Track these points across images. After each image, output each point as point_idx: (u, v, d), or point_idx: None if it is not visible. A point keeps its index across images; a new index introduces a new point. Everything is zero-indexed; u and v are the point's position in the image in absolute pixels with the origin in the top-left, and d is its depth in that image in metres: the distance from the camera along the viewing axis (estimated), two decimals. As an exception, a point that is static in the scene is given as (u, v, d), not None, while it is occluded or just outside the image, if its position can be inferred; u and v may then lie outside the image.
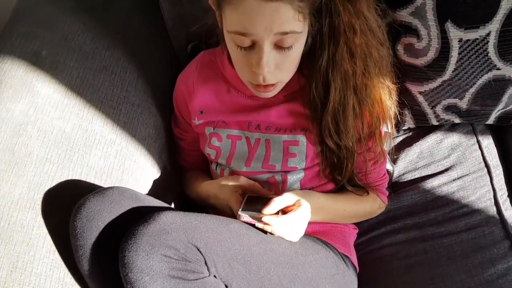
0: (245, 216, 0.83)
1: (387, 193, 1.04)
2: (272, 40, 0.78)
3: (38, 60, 0.92)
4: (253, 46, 0.80)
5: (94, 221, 0.74)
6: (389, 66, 0.92)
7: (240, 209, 0.84)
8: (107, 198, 0.75)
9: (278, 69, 0.82)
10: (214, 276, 0.75)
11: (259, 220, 0.82)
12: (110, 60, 1.01)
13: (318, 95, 0.87)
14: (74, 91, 0.92)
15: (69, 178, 0.83)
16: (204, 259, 0.73)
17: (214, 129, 0.97)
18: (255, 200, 0.87)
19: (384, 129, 0.93)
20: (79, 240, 0.74)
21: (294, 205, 0.86)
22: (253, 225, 0.83)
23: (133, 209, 0.77)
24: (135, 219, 0.73)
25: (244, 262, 0.77)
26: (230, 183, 0.93)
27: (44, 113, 0.87)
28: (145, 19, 1.16)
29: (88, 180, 0.85)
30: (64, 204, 0.80)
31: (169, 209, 0.82)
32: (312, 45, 0.85)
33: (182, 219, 0.73)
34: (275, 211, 0.83)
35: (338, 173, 0.94)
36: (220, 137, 0.96)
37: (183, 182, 1.08)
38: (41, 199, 0.79)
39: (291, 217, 0.84)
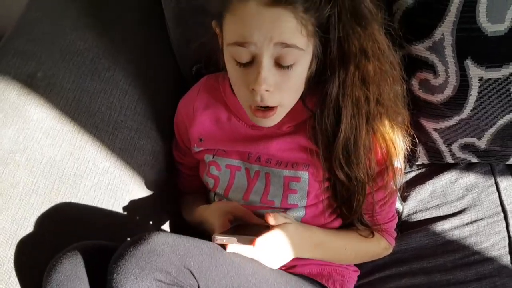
0: (219, 239, 0.76)
1: (395, 234, 0.98)
2: (272, 53, 0.75)
3: (32, 82, 0.89)
4: (252, 62, 0.77)
5: (64, 287, 0.70)
6: (403, 98, 0.87)
7: (217, 233, 0.78)
8: (79, 259, 0.72)
9: (277, 89, 0.78)
10: None
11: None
12: (109, 81, 0.97)
13: (329, 124, 0.83)
14: (68, 116, 0.89)
15: (56, 211, 0.80)
16: (198, 284, 0.69)
17: (213, 157, 0.93)
18: (244, 228, 0.83)
19: (395, 164, 0.87)
20: None
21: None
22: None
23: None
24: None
25: None
26: (222, 208, 0.89)
27: (34, 140, 0.83)
28: (151, 38, 1.12)
29: (76, 213, 0.82)
30: (47, 241, 0.77)
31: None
32: (318, 71, 0.82)
33: (174, 240, 0.69)
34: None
35: (347, 207, 0.89)
36: (219, 166, 0.92)
37: (181, 206, 1.05)
38: (23, 234, 0.76)
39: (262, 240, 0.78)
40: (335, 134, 0.83)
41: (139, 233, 0.88)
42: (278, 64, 0.76)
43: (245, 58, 0.76)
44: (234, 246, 0.76)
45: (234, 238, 0.75)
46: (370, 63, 0.80)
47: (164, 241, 0.69)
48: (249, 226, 0.84)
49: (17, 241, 0.75)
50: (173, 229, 1.01)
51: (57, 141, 0.85)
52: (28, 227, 0.77)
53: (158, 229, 0.97)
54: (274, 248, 0.81)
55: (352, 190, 0.86)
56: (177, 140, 1.01)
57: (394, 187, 0.90)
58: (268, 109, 0.81)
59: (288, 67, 0.76)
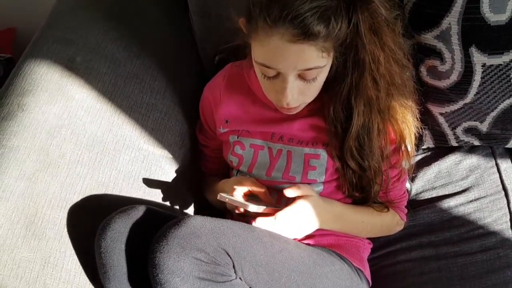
0: (222, 196, 0.83)
1: (406, 210, 1.05)
2: (296, 74, 0.82)
3: (73, 65, 0.96)
4: (278, 76, 0.83)
5: (117, 242, 0.77)
6: (412, 88, 0.94)
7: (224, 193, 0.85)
8: (131, 219, 0.78)
9: (301, 95, 0.85)
10: (240, 279, 0.77)
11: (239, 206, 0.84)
12: (140, 68, 1.04)
13: (339, 118, 0.89)
14: (106, 97, 0.95)
15: (99, 180, 0.86)
16: (233, 262, 0.75)
17: (238, 137, 0.99)
18: (255, 202, 0.88)
19: (407, 145, 0.94)
20: (103, 259, 0.77)
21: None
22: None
23: (156, 229, 0.79)
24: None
25: (268, 268, 0.79)
26: (240, 179, 0.94)
27: (77, 117, 0.90)
28: (175, 28, 1.19)
29: (116, 182, 0.88)
30: (93, 205, 0.83)
31: None
32: (336, 71, 0.87)
33: (211, 223, 0.76)
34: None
35: (358, 191, 0.95)
36: (243, 146, 0.98)
37: (203, 186, 1.11)
38: (72, 199, 0.82)
39: (284, 214, 0.85)
40: (347, 129, 0.89)
41: (168, 207, 0.96)
42: (302, 77, 0.83)
43: (271, 74, 0.83)
44: (259, 221, 0.83)
45: (240, 201, 0.83)
46: (383, 69, 0.85)
47: (202, 224, 0.75)
48: (261, 203, 0.89)
49: (66, 204, 0.81)
50: (197, 210, 1.07)
51: (97, 118, 0.92)
52: (75, 193, 0.83)
53: (185, 205, 1.04)
54: (295, 220, 0.87)
55: (367, 181, 0.92)
56: (201, 123, 1.07)
57: (405, 166, 0.98)
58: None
59: (311, 80, 0.83)
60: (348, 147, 0.89)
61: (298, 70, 0.80)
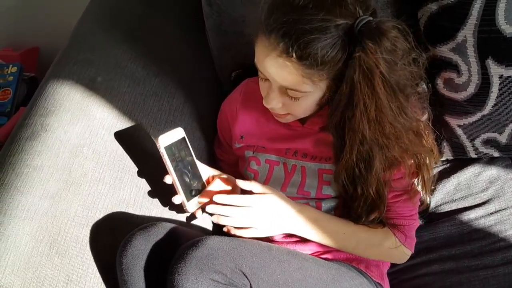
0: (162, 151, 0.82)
1: (413, 239, 0.96)
2: (280, 87, 0.84)
3: (94, 85, 0.98)
4: (268, 80, 0.86)
5: (139, 259, 0.78)
6: (427, 94, 0.92)
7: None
8: (152, 236, 0.80)
9: (286, 107, 0.88)
10: None
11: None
12: (159, 86, 1.06)
13: (336, 145, 0.89)
14: (126, 115, 0.98)
15: (120, 197, 0.88)
16: (250, 284, 0.76)
17: (253, 153, 1.01)
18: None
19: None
20: (125, 276, 0.78)
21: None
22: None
23: (175, 245, 0.80)
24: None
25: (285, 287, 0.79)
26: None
27: (98, 136, 0.92)
28: (192, 46, 1.22)
29: (137, 200, 0.90)
30: (115, 223, 0.85)
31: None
32: (330, 99, 0.86)
33: (228, 244, 0.77)
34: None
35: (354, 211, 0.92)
36: (259, 161, 1.00)
37: None
38: (94, 217, 0.84)
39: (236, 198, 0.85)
40: (339, 156, 0.87)
41: (188, 225, 0.97)
42: (285, 93, 0.84)
43: (262, 76, 0.87)
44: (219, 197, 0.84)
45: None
46: (381, 102, 0.79)
47: (220, 245, 0.76)
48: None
49: (88, 222, 0.83)
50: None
51: (118, 138, 0.94)
52: (97, 211, 0.85)
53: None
54: (264, 208, 0.86)
55: (371, 204, 0.89)
56: (219, 138, 1.09)
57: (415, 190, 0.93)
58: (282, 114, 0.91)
59: (294, 99, 0.85)
60: (337, 172, 0.89)
61: (279, 85, 0.83)
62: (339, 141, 0.87)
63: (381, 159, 0.85)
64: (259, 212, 0.87)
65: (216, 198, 0.85)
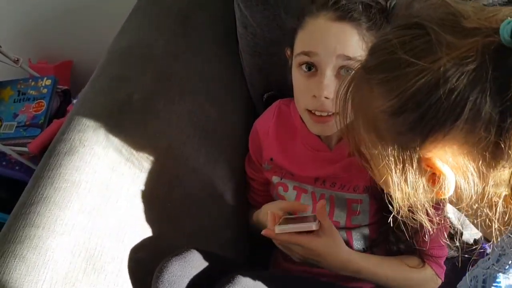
0: (279, 229, 0.83)
1: (443, 267, 0.95)
2: (334, 65, 0.83)
3: (130, 102, 1.00)
4: (315, 73, 0.85)
5: (175, 285, 0.79)
6: None
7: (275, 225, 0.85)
8: (188, 263, 0.80)
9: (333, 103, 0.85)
10: None
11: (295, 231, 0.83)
12: (193, 104, 1.08)
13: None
14: (161, 132, 0.99)
15: (155, 214, 0.89)
16: None
17: (281, 179, 1.01)
18: (293, 219, 0.89)
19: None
20: None
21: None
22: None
23: (210, 273, 0.81)
24: (213, 280, 0.78)
25: None
26: (271, 206, 0.95)
27: (134, 153, 0.93)
28: (225, 66, 1.23)
29: (172, 217, 0.91)
30: (151, 240, 0.86)
31: (245, 266, 0.87)
32: None
33: (255, 285, 0.78)
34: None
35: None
36: (286, 187, 1.00)
37: (249, 218, 1.11)
38: (130, 234, 0.85)
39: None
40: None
41: (219, 242, 0.98)
42: (339, 75, 0.84)
43: (310, 60, 0.85)
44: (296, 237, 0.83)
45: (294, 226, 0.83)
46: None
47: (254, 284, 0.77)
48: (298, 218, 0.89)
49: (124, 239, 0.84)
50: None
51: (153, 153, 0.96)
52: (133, 227, 0.86)
53: (236, 237, 1.05)
54: (333, 237, 0.86)
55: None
56: (250, 156, 1.10)
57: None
58: (326, 116, 0.87)
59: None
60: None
61: (337, 55, 0.81)
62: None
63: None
64: (305, 253, 0.86)
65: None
